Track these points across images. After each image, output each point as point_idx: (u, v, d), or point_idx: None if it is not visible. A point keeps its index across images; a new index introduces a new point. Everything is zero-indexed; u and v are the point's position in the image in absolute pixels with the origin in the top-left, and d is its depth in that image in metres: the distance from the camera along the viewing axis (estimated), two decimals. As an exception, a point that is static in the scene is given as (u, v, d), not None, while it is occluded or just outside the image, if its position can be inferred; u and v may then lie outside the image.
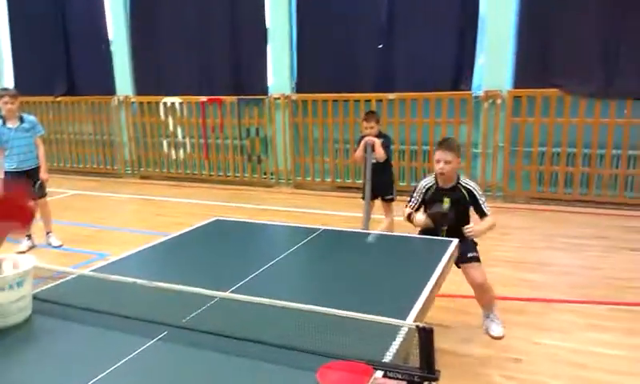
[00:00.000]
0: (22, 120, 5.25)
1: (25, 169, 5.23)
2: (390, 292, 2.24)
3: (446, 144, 3.40)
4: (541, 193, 6.76)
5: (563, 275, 4.39)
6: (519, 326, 3.47)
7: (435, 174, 3.41)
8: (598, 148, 6.37)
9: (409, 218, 3.43)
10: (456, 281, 3.43)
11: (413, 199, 3.48)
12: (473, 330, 3.43)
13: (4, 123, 5.15)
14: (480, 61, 6.97)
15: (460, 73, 7.00)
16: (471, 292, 3.45)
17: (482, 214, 3.36)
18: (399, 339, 1.66)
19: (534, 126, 6.62)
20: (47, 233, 5.55)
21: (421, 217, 3.35)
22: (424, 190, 3.45)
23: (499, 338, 3.32)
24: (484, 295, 3.40)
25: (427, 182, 3.47)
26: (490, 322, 3.40)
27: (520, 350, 3.20)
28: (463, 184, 3.38)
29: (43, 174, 5.33)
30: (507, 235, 5.41)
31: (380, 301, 2.12)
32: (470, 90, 6.92)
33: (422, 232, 3.40)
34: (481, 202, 3.34)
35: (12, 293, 1.89)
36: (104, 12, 9.01)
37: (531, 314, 3.68)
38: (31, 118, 5.39)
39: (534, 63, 6.58)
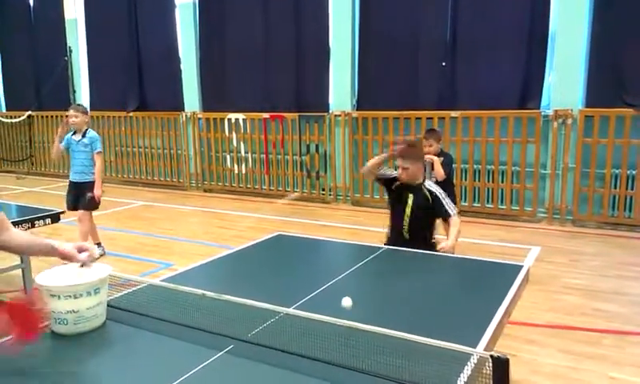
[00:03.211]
0: (84, 135, 5.42)
1: (76, 181, 5.45)
2: (456, 317, 2.16)
3: (407, 151, 3.56)
4: (613, 217, 6.40)
5: (639, 306, 4.11)
6: (593, 359, 3.27)
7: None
8: (678, 171, 5.98)
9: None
10: (520, 306, 3.28)
11: (388, 172, 3.75)
12: (541, 360, 3.27)
13: (73, 134, 5.45)
14: (549, 79, 6.73)
15: (527, 91, 6.79)
16: (538, 320, 3.29)
17: (446, 215, 3.44)
18: (469, 368, 1.60)
19: (607, 147, 6.29)
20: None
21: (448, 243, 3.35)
22: (391, 176, 3.68)
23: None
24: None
25: (395, 173, 3.66)
26: None
27: (594, 384, 3.01)
28: (427, 186, 3.52)
29: (96, 190, 5.36)
30: (577, 261, 5.15)
31: (446, 326, 2.05)
32: (538, 108, 6.69)
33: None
34: (444, 202, 3.43)
35: (89, 299, 1.97)
36: (175, 32, 9.45)
37: (606, 347, 3.46)
38: (93, 134, 5.50)
39: (607, 81, 6.29)
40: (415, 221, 3.50)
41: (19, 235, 2.09)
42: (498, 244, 5.70)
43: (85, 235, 5.38)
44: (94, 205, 5.44)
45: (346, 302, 2.22)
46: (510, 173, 6.87)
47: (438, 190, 3.52)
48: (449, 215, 3.46)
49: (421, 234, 3.50)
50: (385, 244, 3.42)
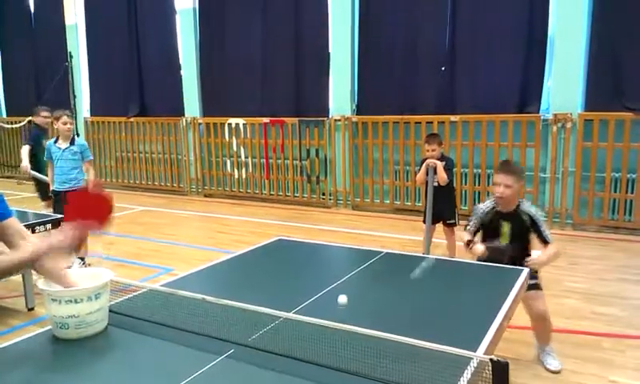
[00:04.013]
0: (72, 142, 5.19)
1: (64, 190, 5.07)
2: (457, 320, 2.17)
3: (506, 167, 3.27)
4: (613, 221, 6.40)
5: (639, 309, 4.11)
6: (593, 363, 3.27)
7: (494, 198, 3.28)
8: (678, 175, 5.99)
9: (468, 244, 3.29)
10: (520, 310, 3.28)
11: (471, 224, 3.37)
12: (541, 364, 3.27)
13: (55, 141, 5.17)
14: (548, 83, 6.74)
15: (527, 95, 6.80)
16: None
17: (544, 241, 3.19)
18: (469, 372, 1.60)
19: (607, 151, 6.30)
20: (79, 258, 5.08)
21: (480, 247, 3.20)
22: (482, 215, 3.33)
23: (557, 372, 3.14)
24: (543, 326, 3.22)
25: (486, 206, 3.35)
26: (546, 355, 3.23)
27: (594, 388, 3.01)
28: (524, 209, 3.23)
29: None
30: (577, 265, 5.15)
31: (447, 329, 2.06)
32: (537, 112, 6.70)
33: (480, 259, 3.27)
34: (542, 229, 3.18)
35: (90, 304, 1.98)
36: (176, 38, 9.48)
37: (606, 351, 3.46)
38: (82, 141, 5.38)
39: (606, 85, 6.30)
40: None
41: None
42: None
43: (86, 247, 5.05)
44: None
45: (342, 299, 2.29)
46: (510, 177, 6.86)
47: (535, 213, 3.22)
48: (547, 243, 3.18)
49: (517, 256, 3.11)
50: None
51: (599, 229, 6.45)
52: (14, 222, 2.00)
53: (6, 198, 2.04)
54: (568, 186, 6.57)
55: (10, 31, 11.87)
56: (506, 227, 3.21)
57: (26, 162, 5.87)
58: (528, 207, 3.26)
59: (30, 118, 11.21)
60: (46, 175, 5.61)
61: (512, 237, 3.21)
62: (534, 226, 3.19)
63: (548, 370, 3.17)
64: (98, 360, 1.88)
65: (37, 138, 6.25)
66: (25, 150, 6.04)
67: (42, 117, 6.40)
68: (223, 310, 2.07)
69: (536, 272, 3.20)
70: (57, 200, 5.12)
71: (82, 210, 1.97)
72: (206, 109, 9.41)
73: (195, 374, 1.70)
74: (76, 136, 5.37)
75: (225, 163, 9.21)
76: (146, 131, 10.01)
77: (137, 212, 8.29)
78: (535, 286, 3.15)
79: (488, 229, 3.30)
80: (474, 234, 3.34)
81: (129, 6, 9.83)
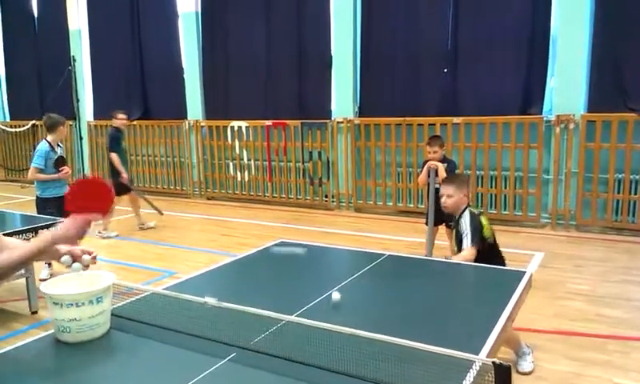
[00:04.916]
0: (59, 146, 5.31)
1: (62, 195, 5.02)
2: (459, 323, 2.16)
3: (447, 178, 3.50)
4: (617, 222, 6.38)
5: (645, 312, 4.10)
6: (597, 366, 3.26)
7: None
8: (682, 176, 5.96)
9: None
10: (523, 312, 3.27)
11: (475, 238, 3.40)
12: (545, 366, 3.25)
13: (52, 149, 5.17)
14: (551, 84, 6.73)
15: (529, 96, 6.79)
16: (542, 326, 3.28)
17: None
18: (472, 375, 1.59)
19: (610, 152, 6.28)
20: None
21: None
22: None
23: (529, 373, 3.15)
24: (509, 338, 3.13)
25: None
26: (518, 358, 3.23)
27: (598, 390, 3.00)
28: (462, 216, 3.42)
29: None
30: (581, 267, 5.14)
31: (449, 332, 2.05)
32: (540, 113, 6.69)
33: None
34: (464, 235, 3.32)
35: (92, 308, 1.97)
36: (178, 41, 9.51)
37: (610, 353, 3.44)
38: (61, 144, 5.45)
39: (609, 86, 6.29)
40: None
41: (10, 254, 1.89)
42: (501, 250, 5.66)
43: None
44: None
45: (336, 296, 2.33)
46: (513, 178, 6.87)
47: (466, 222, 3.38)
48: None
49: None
50: None
51: (603, 230, 6.43)
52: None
53: None
54: (571, 188, 6.56)
55: (13, 36, 11.94)
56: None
57: (124, 172, 6.83)
58: (465, 215, 3.40)
59: (33, 121, 11.36)
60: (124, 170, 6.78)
61: (456, 240, 3.40)
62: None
63: (520, 372, 3.16)
64: (100, 364, 1.88)
65: (117, 139, 7.02)
66: (116, 158, 6.86)
67: (120, 119, 7.08)
68: (226, 313, 2.07)
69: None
70: (57, 206, 4.99)
71: (83, 198, 1.98)
72: (208, 112, 9.43)
73: (198, 377, 1.70)
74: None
75: (227, 166, 9.22)
76: (149, 134, 10.03)
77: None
78: None
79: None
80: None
81: (132, 11, 9.87)
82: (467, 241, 3.31)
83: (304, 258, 3.35)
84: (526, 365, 3.21)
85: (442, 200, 3.49)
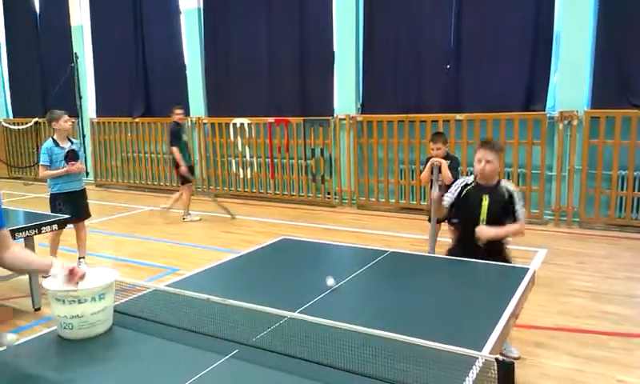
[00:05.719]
0: (70, 141, 5.17)
1: (79, 189, 5.18)
2: (462, 320, 2.16)
3: (489, 144, 3.34)
4: (621, 219, 6.36)
5: (648, 308, 4.08)
6: (600, 362, 3.25)
7: (475, 175, 3.36)
8: (686, 172, 5.93)
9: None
10: (527, 309, 3.27)
11: (449, 193, 3.42)
12: (548, 363, 3.25)
13: (57, 144, 5.04)
14: (554, 80, 6.71)
15: (532, 93, 6.77)
16: (545, 323, 3.27)
17: (515, 218, 3.20)
18: (474, 372, 1.59)
19: (614, 148, 6.26)
20: (79, 258, 5.24)
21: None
22: (460, 188, 3.38)
23: (517, 359, 3.17)
24: None
25: (466, 179, 3.42)
26: (505, 344, 3.23)
27: (602, 387, 2.99)
28: (504, 185, 3.30)
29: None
30: (584, 264, 5.12)
31: (452, 329, 2.04)
32: (543, 110, 6.67)
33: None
34: (517, 206, 3.20)
35: (94, 305, 1.98)
36: (181, 38, 9.50)
37: (614, 350, 3.43)
38: (76, 140, 5.41)
39: (612, 82, 6.27)
40: (492, 224, 3.17)
41: (19, 254, 2.11)
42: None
43: (85, 242, 5.36)
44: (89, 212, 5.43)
45: (330, 281, 2.44)
46: (516, 175, 6.84)
47: (514, 190, 3.27)
48: (516, 221, 3.18)
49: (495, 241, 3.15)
50: (449, 254, 3.27)
51: (606, 227, 6.40)
52: (5, 233, 2.06)
53: (3, 208, 2.08)
54: (575, 184, 6.53)
55: (15, 33, 11.94)
56: (485, 200, 3.25)
57: (183, 165, 7.22)
58: (508, 184, 3.33)
59: (36, 119, 11.38)
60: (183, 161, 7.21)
61: (489, 209, 3.23)
62: (511, 200, 3.22)
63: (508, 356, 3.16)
64: (103, 360, 1.88)
65: (177, 133, 7.35)
66: (176, 152, 7.24)
67: (177, 114, 7.41)
68: (228, 309, 2.07)
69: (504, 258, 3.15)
70: (64, 200, 5.04)
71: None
72: (210, 109, 9.43)
73: (200, 373, 1.70)
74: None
75: (230, 163, 9.22)
76: (151, 131, 10.03)
77: (143, 212, 8.32)
78: None
79: (467, 202, 3.31)
80: (451, 206, 3.38)
81: (134, 7, 9.87)
82: (521, 211, 3.19)
83: (306, 255, 3.36)
84: (514, 350, 3.27)
85: (480, 165, 3.22)
